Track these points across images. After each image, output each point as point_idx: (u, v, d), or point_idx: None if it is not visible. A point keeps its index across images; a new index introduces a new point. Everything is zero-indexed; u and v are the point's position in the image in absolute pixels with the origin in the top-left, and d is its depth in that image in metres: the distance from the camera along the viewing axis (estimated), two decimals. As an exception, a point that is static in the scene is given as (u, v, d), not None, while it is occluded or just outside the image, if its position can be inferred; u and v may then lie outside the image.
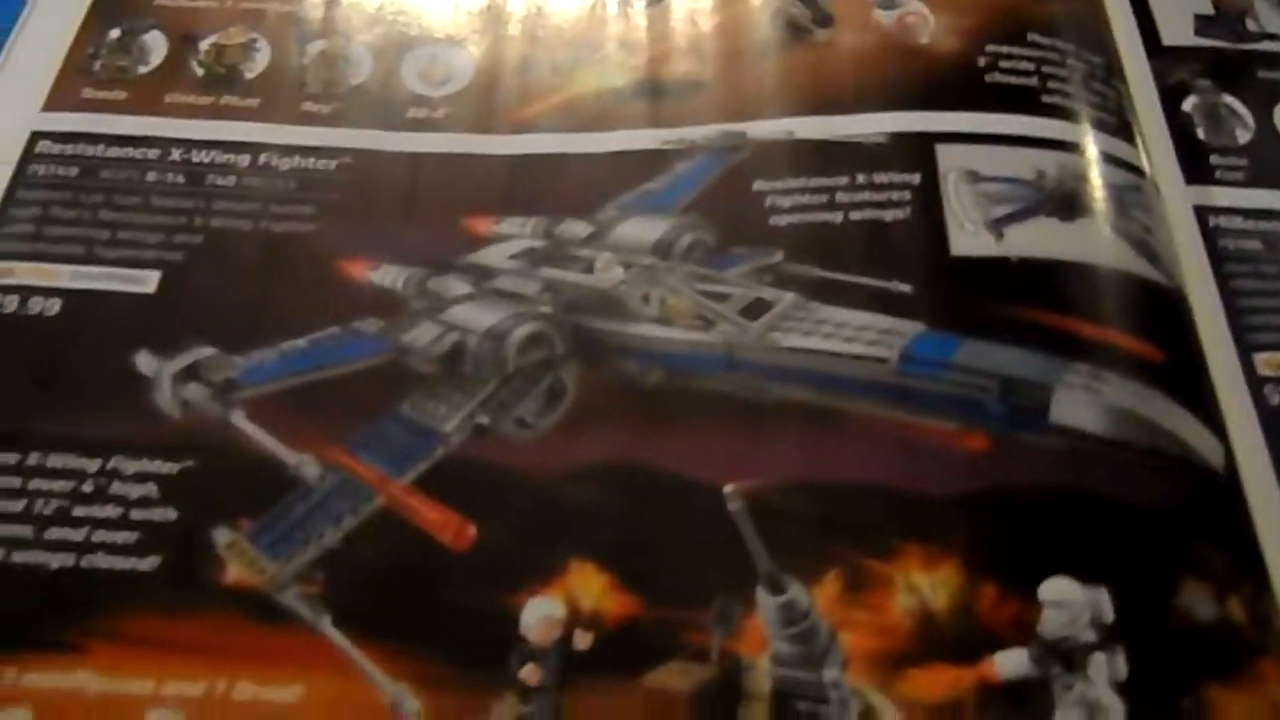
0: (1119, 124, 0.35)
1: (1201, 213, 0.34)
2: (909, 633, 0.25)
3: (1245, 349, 0.31)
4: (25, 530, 0.27)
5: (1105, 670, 0.24)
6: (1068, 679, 0.24)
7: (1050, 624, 0.25)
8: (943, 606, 0.25)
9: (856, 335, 0.29)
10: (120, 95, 0.35)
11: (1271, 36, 0.38)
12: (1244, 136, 0.36)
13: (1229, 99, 0.37)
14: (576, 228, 0.33)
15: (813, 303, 0.30)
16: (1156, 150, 0.35)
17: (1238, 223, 0.34)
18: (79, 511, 0.27)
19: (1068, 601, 0.25)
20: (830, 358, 0.29)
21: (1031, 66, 0.35)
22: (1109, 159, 0.33)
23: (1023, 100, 0.34)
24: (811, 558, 0.26)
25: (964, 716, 0.24)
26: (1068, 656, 0.24)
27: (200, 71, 0.36)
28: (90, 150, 0.33)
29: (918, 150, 0.33)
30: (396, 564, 0.26)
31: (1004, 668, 0.24)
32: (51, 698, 0.24)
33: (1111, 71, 0.36)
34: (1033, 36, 0.35)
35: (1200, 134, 0.36)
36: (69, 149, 0.33)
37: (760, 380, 0.29)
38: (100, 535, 0.27)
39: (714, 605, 0.25)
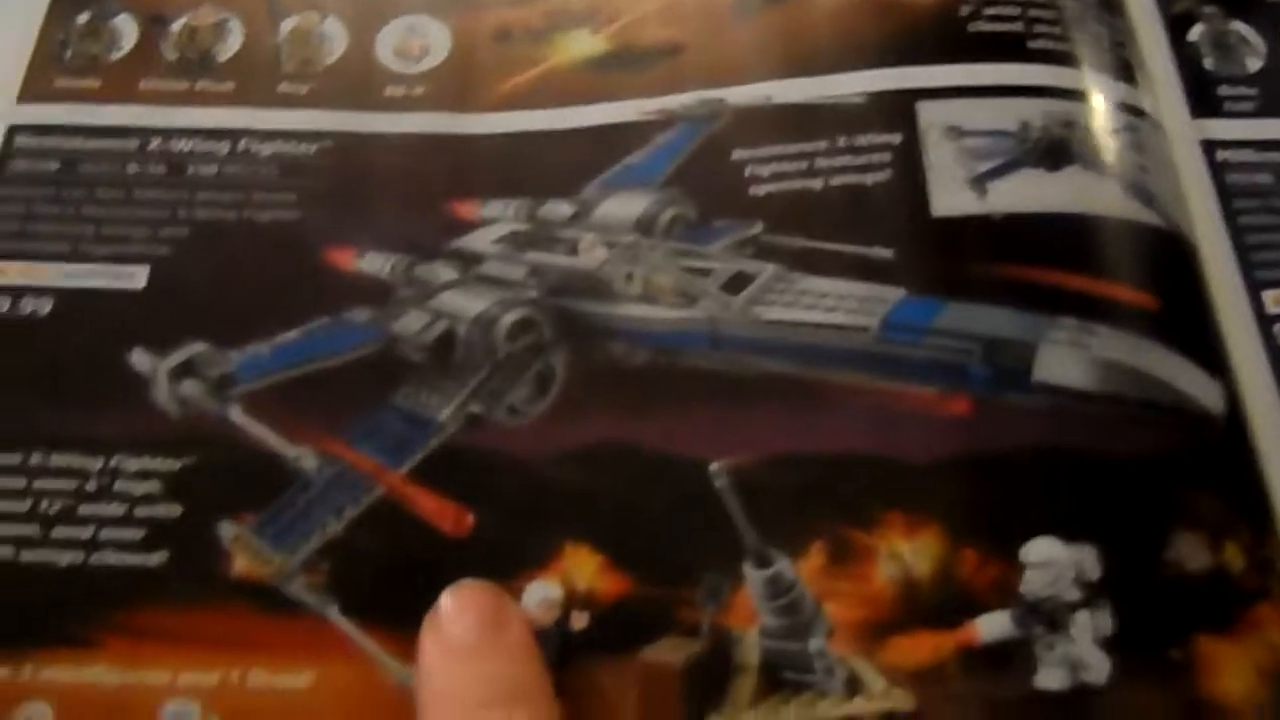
0: (1115, 62, 0.35)
1: (1209, 147, 0.34)
2: (891, 601, 0.27)
3: (1255, 286, 0.32)
4: (32, 529, 0.28)
5: (1090, 628, 0.26)
6: (1050, 638, 0.26)
7: (1033, 584, 0.26)
8: (924, 573, 0.27)
9: (838, 305, 0.30)
10: (94, 84, 0.36)
11: (1286, -46, 0.38)
12: (1255, 64, 0.36)
13: (1239, 25, 0.37)
14: (560, 208, 0.34)
15: (794, 273, 0.31)
16: (1161, 85, 0.36)
17: (1247, 155, 0.34)
18: (84, 510, 0.29)
19: (1051, 561, 0.26)
20: (812, 329, 0.30)
21: (1017, 11, 0.35)
22: (1102, 101, 0.34)
23: (1008, 48, 0.34)
24: (796, 530, 0.28)
25: (947, 681, 0.26)
26: (1051, 616, 0.26)
27: (173, 55, 0.36)
28: (69, 143, 0.34)
29: (898, 108, 0.33)
30: (398, 552, 0.28)
31: (986, 631, 0.26)
32: (71, 692, 0.26)
33: (1108, 7, 0.36)
34: None
35: (1208, 64, 0.36)
36: (48, 142, 0.34)
37: (744, 355, 0.31)
38: (106, 533, 0.28)
39: (703, 581, 0.27)
